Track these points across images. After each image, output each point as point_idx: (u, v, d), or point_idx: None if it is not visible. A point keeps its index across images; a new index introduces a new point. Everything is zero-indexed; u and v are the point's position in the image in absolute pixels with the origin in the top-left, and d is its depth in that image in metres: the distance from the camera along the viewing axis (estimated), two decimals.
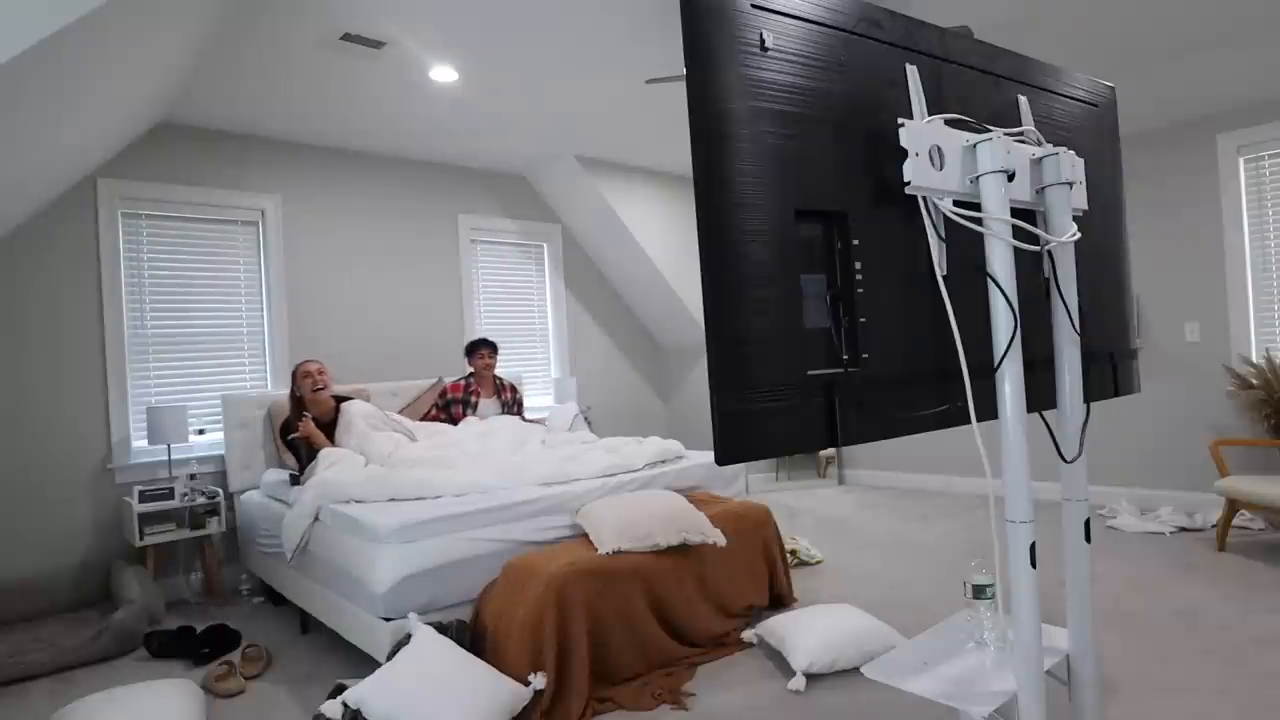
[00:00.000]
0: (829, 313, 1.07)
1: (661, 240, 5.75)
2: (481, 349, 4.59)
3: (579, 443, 4.04)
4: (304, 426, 3.68)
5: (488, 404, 4.56)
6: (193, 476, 3.76)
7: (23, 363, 3.63)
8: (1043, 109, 1.41)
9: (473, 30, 3.21)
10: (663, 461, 3.62)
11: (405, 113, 4.18)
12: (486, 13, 3.06)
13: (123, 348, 3.89)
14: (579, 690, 2.38)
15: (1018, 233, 1.15)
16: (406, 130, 4.48)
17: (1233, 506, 3.78)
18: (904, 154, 1.10)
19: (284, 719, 2.48)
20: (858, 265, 1.08)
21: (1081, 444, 1.31)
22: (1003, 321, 1.14)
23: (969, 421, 1.16)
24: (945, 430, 1.20)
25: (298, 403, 3.89)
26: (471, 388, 4.52)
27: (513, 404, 4.67)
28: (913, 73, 1.18)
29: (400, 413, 4.39)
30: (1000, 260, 1.14)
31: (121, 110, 3.36)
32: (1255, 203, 4.40)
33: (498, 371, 4.71)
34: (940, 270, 1.16)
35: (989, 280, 1.15)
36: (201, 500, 3.71)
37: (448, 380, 4.70)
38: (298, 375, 3.90)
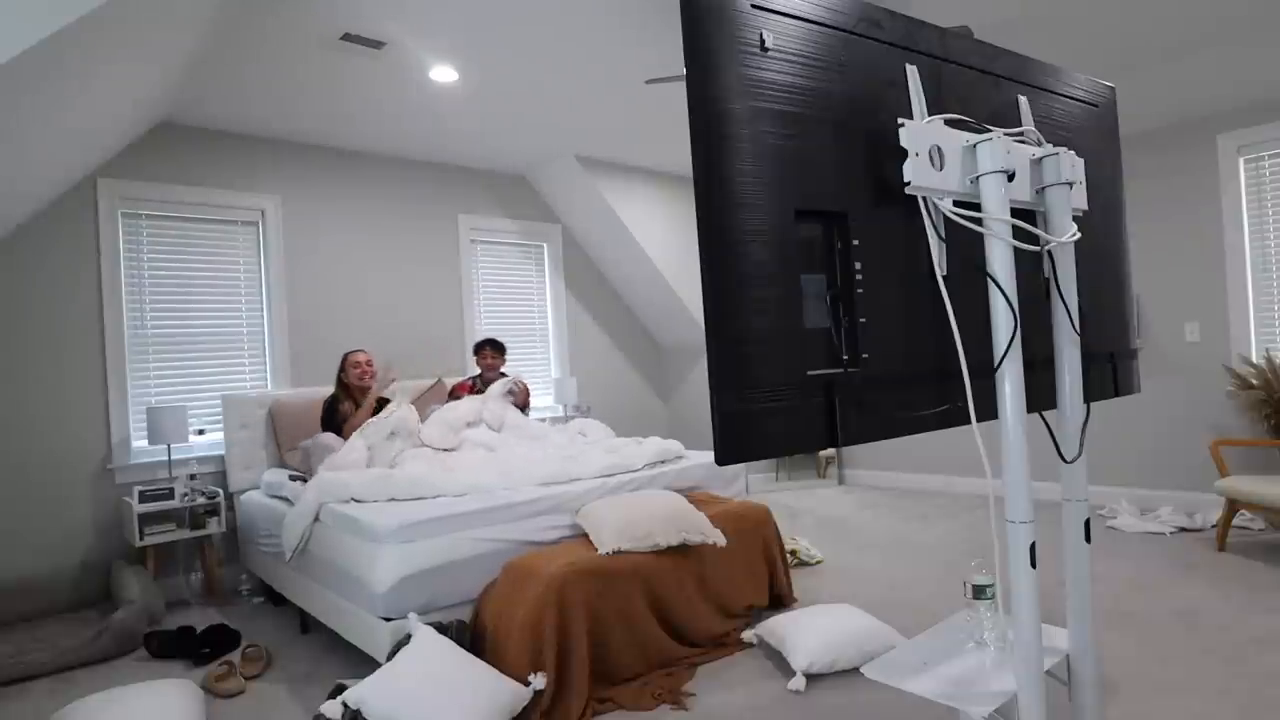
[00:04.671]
0: (829, 313, 1.07)
1: (661, 240, 5.75)
2: (484, 349, 4.64)
3: (580, 443, 4.04)
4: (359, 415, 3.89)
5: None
6: (193, 476, 3.76)
7: (23, 362, 3.62)
8: (1043, 109, 1.40)
9: (473, 30, 3.21)
10: (662, 461, 3.62)
11: (405, 113, 4.18)
12: (486, 13, 3.06)
13: (123, 348, 3.89)
14: (579, 690, 2.38)
15: (1018, 233, 1.15)
16: (406, 130, 4.48)
17: (1233, 506, 3.78)
18: (904, 154, 1.09)
19: (284, 719, 2.48)
20: (858, 265, 1.08)
21: (1081, 444, 1.31)
22: (1003, 321, 1.13)
23: (969, 421, 1.16)
24: (945, 430, 1.20)
25: (345, 389, 4.06)
26: (478, 388, 4.51)
27: (521, 407, 4.58)
28: (913, 73, 1.18)
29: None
30: (1000, 260, 1.14)
31: (121, 110, 3.36)
32: (1255, 203, 4.40)
33: (505, 370, 4.70)
34: (940, 270, 1.16)
35: (989, 280, 1.14)
36: (201, 500, 3.71)
37: (449, 381, 4.69)
38: (347, 363, 4.07)
